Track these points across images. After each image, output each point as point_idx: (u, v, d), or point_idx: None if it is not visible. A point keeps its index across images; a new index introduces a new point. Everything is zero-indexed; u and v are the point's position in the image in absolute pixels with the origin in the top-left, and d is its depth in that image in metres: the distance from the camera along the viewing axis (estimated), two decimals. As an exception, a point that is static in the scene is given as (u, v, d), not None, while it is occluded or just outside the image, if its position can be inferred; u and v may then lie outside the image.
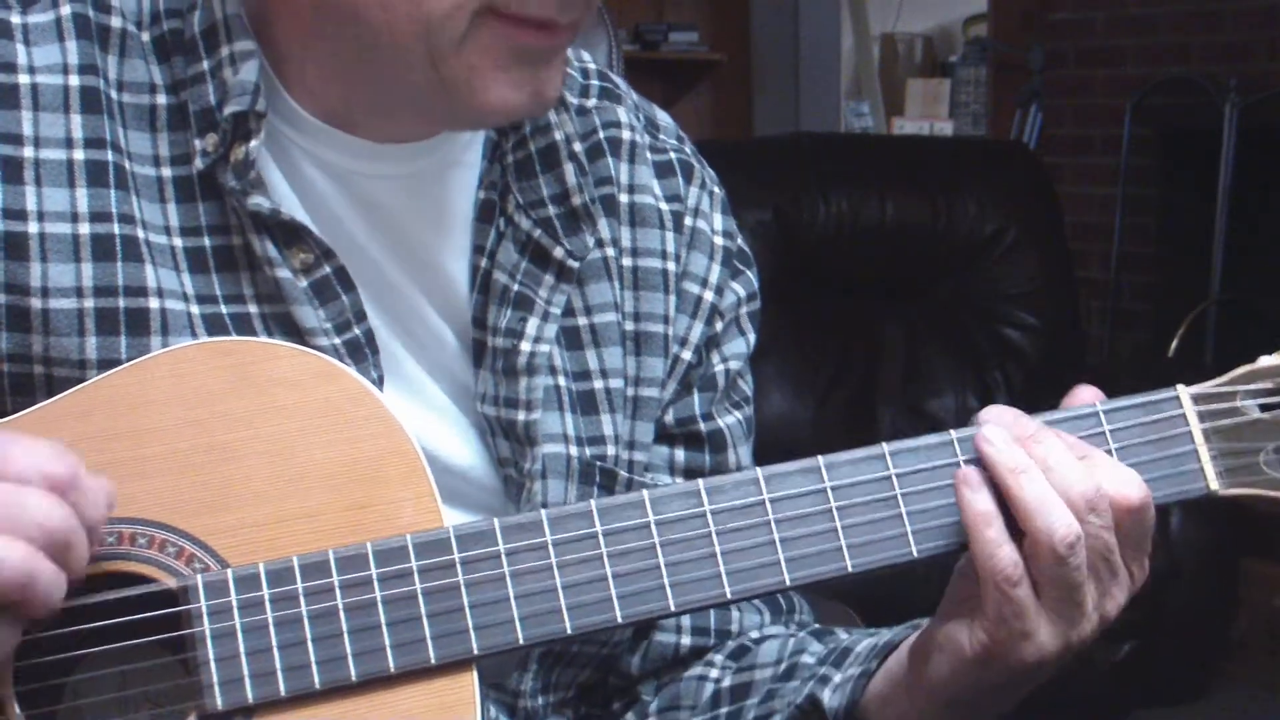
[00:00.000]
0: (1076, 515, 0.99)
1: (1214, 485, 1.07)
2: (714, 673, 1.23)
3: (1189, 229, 4.78)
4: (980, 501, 1.01)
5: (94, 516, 0.91)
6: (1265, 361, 1.10)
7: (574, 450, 1.17)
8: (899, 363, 3.76)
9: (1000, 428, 1.03)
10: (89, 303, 1.04)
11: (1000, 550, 1.00)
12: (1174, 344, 4.51)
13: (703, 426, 1.24)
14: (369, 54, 1.04)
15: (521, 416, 1.13)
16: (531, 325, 1.14)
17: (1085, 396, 1.08)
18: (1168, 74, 4.75)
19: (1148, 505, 1.02)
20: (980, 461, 1.03)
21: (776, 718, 1.15)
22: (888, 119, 6.18)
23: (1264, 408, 1.08)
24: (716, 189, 1.28)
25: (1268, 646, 4.00)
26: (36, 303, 1.04)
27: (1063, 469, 1.01)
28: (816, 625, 1.27)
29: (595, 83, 1.24)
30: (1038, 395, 3.62)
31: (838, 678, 1.12)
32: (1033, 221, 3.88)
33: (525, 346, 1.13)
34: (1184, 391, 1.08)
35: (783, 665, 1.19)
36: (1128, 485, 1.02)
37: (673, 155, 1.26)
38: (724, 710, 1.20)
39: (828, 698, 1.11)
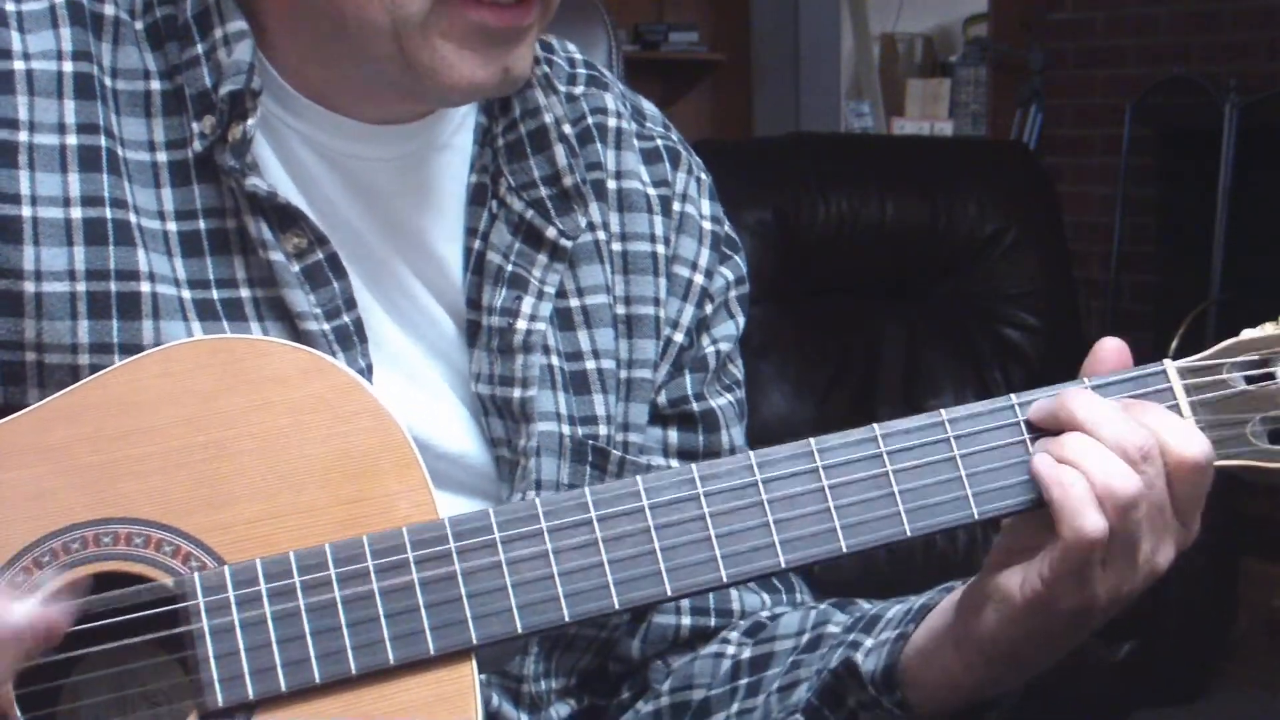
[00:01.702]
0: (1134, 467, 1.01)
1: None
2: (730, 649, 1.23)
3: (1189, 229, 4.78)
4: (1066, 472, 1.01)
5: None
6: (1249, 334, 1.10)
7: (566, 429, 1.17)
8: (899, 363, 3.76)
9: (1039, 408, 1.05)
10: (81, 286, 1.05)
11: (1088, 516, 1.00)
12: (1174, 344, 4.51)
13: (695, 407, 1.25)
14: (340, 32, 1.05)
15: (517, 394, 1.14)
16: (527, 304, 1.15)
17: (1110, 347, 1.09)
18: (1168, 74, 4.75)
19: (1211, 461, 1.03)
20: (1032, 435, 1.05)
21: (803, 685, 1.16)
22: (888, 119, 6.18)
23: (1249, 379, 1.08)
24: (703, 175, 1.29)
25: (1268, 646, 4.00)
26: (29, 286, 1.04)
27: (1113, 426, 1.02)
28: (833, 599, 1.27)
29: (582, 71, 1.26)
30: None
31: (869, 642, 1.13)
32: (1033, 221, 3.88)
33: (521, 325, 1.14)
34: (1170, 365, 1.09)
35: (805, 636, 1.20)
36: (1191, 442, 1.03)
37: (659, 142, 1.27)
38: (743, 681, 1.21)
39: (862, 660, 1.11)
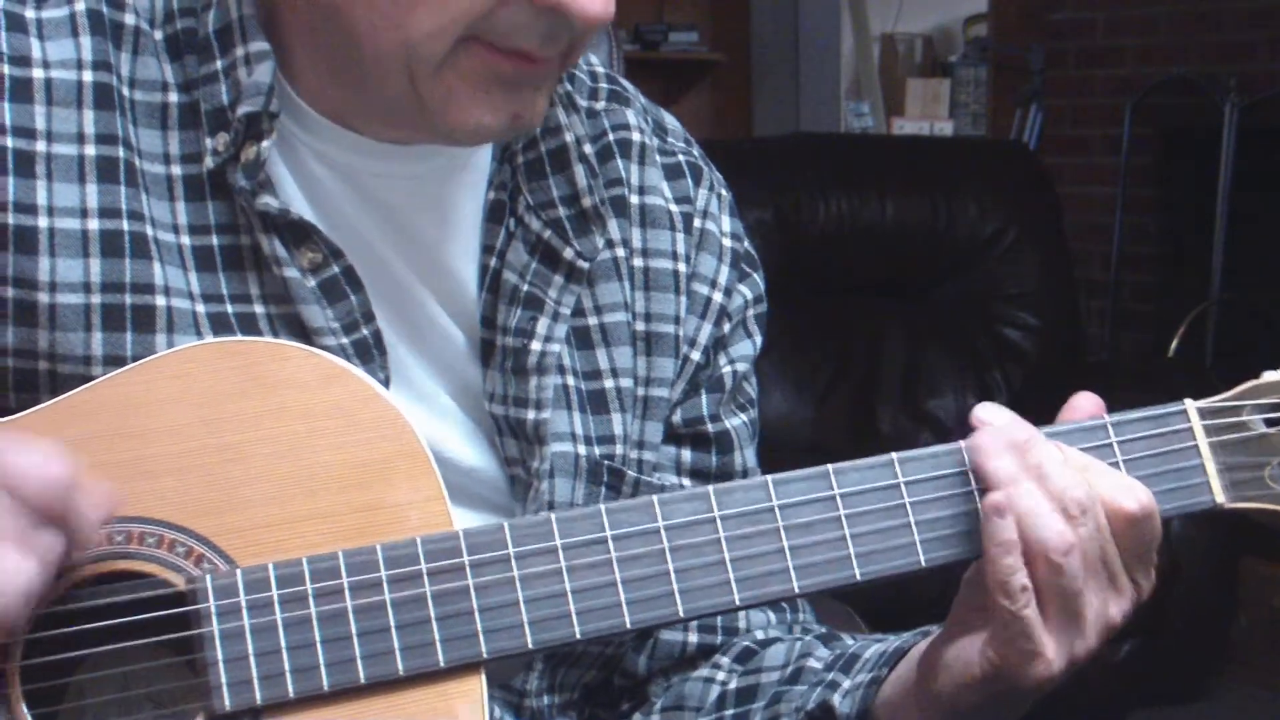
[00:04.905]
0: (1070, 522, 1.00)
1: (1220, 499, 1.08)
2: (720, 675, 1.23)
3: (1189, 229, 4.78)
4: (1006, 530, 1.00)
5: (89, 521, 0.91)
6: (1270, 376, 1.10)
7: (582, 449, 1.17)
8: (899, 363, 3.76)
9: (994, 436, 1.03)
10: (96, 298, 1.04)
11: (1014, 576, 1.00)
12: (1174, 344, 4.52)
13: (710, 428, 1.25)
14: (356, 61, 1.04)
15: (531, 416, 1.13)
16: (542, 325, 1.14)
17: (1084, 405, 1.08)
18: (1168, 74, 4.75)
19: (1149, 515, 1.02)
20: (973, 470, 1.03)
21: None
22: (888, 119, 6.17)
23: (1269, 423, 1.09)
24: (724, 191, 1.29)
25: (1268, 646, 4.00)
26: (44, 297, 1.04)
27: (1056, 476, 1.01)
28: (821, 629, 1.28)
29: (604, 85, 1.25)
30: (1038, 395, 3.61)
31: (846, 684, 1.12)
32: (1033, 221, 3.88)
33: (535, 346, 1.13)
34: (1191, 405, 1.09)
35: (789, 669, 1.20)
36: (1126, 493, 1.02)
37: (681, 158, 1.26)
38: (729, 712, 1.20)
39: (838, 703, 1.11)
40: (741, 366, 1.27)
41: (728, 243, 1.26)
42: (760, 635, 1.26)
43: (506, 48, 1.02)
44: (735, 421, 1.26)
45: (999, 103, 5.47)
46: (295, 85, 1.10)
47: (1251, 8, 4.60)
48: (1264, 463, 1.08)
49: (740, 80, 6.19)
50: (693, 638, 1.25)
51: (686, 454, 1.25)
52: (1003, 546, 1.00)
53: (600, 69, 1.26)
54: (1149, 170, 4.89)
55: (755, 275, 1.29)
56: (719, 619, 1.26)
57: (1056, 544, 0.99)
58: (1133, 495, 1.02)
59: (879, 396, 3.73)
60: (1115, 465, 1.06)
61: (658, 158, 1.25)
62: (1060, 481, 1.01)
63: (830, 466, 1.04)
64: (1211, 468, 1.08)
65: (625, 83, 1.27)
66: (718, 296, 1.25)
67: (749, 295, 1.28)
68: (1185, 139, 4.81)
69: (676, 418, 1.24)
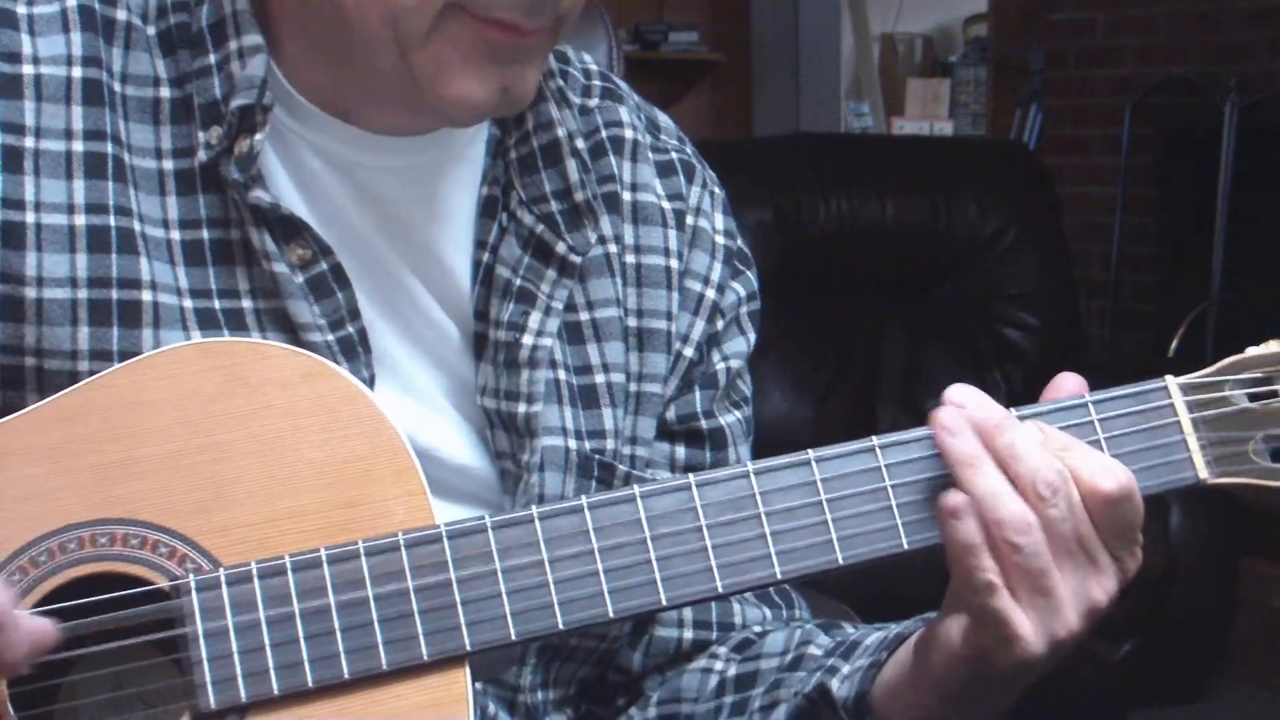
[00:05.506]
0: (1035, 501, 0.99)
1: (1203, 474, 1.07)
2: (718, 664, 1.23)
3: (1189, 229, 4.78)
4: (963, 532, 1.00)
5: (7, 661, 0.90)
6: (1253, 352, 1.10)
7: (573, 443, 1.17)
8: (899, 363, 3.76)
9: (961, 415, 1.02)
10: (82, 293, 1.05)
11: (978, 574, 0.99)
12: (1174, 344, 4.51)
13: (704, 424, 1.25)
14: (346, 41, 1.05)
15: (522, 409, 1.14)
16: (534, 319, 1.14)
17: (1069, 385, 1.08)
18: (1168, 74, 4.75)
19: (1128, 495, 1.01)
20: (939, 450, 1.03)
21: (782, 707, 1.16)
22: (888, 119, 6.16)
23: (1252, 397, 1.08)
24: (717, 189, 1.29)
25: (1268, 646, 3.99)
26: (30, 292, 1.04)
27: (1027, 458, 1.00)
28: (820, 620, 1.28)
29: (597, 83, 1.25)
30: (1037, 395, 3.59)
31: (846, 669, 1.12)
32: (1033, 221, 3.88)
33: (527, 340, 1.14)
34: (1172, 381, 1.08)
35: (789, 656, 1.20)
36: (1104, 474, 1.01)
37: (674, 155, 1.27)
38: (729, 699, 1.21)
39: (837, 687, 1.11)
40: (735, 363, 1.27)
41: (720, 240, 1.27)
42: (758, 629, 1.26)
43: (490, 18, 1.03)
44: (729, 418, 1.26)
45: (999, 103, 5.47)
46: (289, 76, 1.10)
47: (1251, 8, 4.60)
48: (1247, 437, 1.07)
49: (740, 80, 6.20)
50: (688, 634, 1.25)
51: (680, 450, 1.25)
52: (963, 547, 1.00)
53: (594, 67, 1.27)
54: (1149, 170, 4.89)
55: (748, 272, 1.29)
56: (714, 614, 1.26)
57: (1014, 525, 0.99)
58: (1111, 476, 1.01)
59: (879, 396, 3.73)
60: (1096, 443, 1.05)
61: (650, 155, 1.25)
62: (1031, 464, 1.00)
63: (811, 452, 1.04)
64: (1194, 443, 1.07)
65: (618, 80, 1.28)
66: (710, 293, 1.25)
67: (742, 292, 1.28)
68: (1185, 139, 4.81)
69: (670, 414, 1.24)
